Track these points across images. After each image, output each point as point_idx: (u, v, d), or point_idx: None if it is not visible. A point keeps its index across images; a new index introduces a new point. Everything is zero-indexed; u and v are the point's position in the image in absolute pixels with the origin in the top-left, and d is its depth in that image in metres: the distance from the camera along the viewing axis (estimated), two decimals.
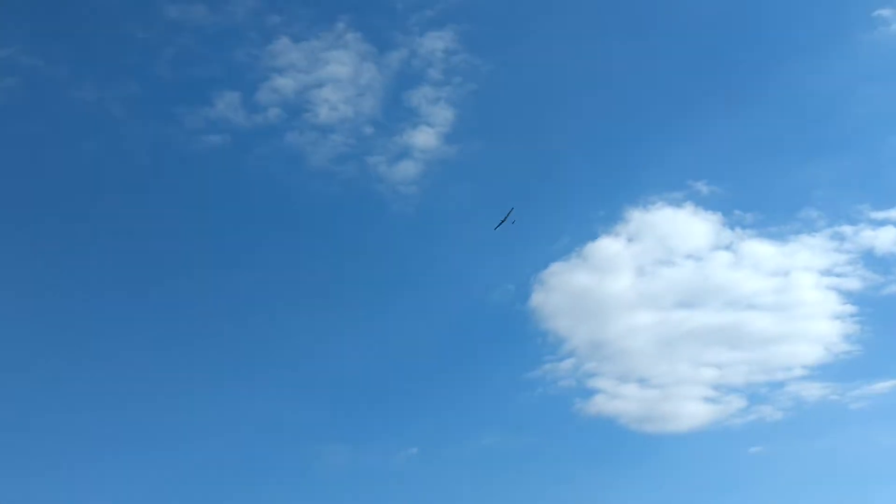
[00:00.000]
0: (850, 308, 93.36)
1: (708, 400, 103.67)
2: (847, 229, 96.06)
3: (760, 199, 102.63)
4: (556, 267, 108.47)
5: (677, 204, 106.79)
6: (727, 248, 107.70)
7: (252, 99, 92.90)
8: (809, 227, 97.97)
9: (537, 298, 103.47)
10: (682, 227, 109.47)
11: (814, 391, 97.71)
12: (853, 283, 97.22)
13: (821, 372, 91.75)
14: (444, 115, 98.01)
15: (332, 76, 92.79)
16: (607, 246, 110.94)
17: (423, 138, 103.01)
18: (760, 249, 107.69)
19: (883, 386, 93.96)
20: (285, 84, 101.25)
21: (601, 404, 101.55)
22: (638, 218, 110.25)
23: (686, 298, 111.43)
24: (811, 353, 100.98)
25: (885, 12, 74.22)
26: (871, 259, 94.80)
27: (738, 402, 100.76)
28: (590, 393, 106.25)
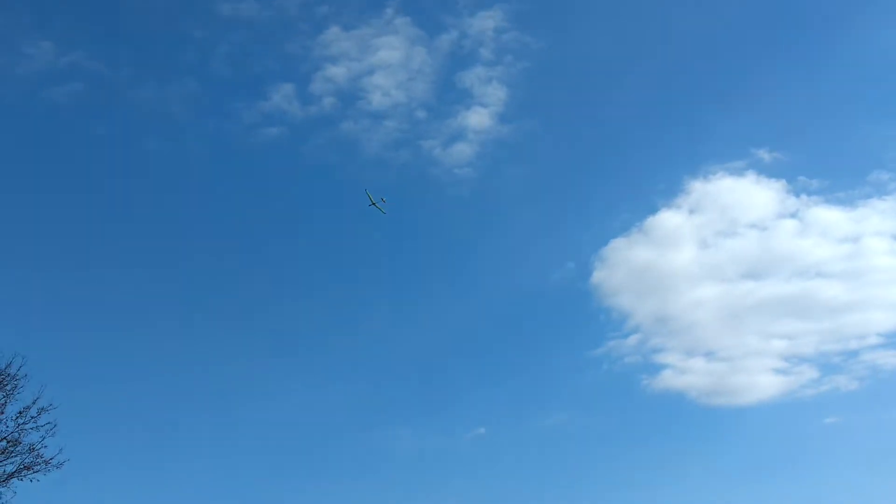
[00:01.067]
0: None
1: (778, 371, 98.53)
2: None
3: (827, 164, 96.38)
4: (616, 243, 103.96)
5: (739, 173, 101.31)
6: (793, 215, 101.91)
7: (306, 90, 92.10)
8: (880, 191, 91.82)
9: (599, 276, 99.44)
10: (744, 196, 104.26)
11: (890, 359, 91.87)
12: None
13: None
14: (497, 94, 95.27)
15: (384, 62, 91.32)
16: (668, 219, 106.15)
17: (477, 119, 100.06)
18: (828, 216, 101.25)
19: None
20: (338, 73, 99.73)
21: (669, 379, 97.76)
22: (699, 189, 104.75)
23: (752, 269, 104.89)
24: (886, 320, 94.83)
25: None
26: None
27: (810, 373, 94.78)
28: (657, 368, 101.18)
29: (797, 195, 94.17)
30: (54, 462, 15.39)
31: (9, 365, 15.34)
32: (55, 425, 15.38)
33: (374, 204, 58.81)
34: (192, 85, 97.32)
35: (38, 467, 15.26)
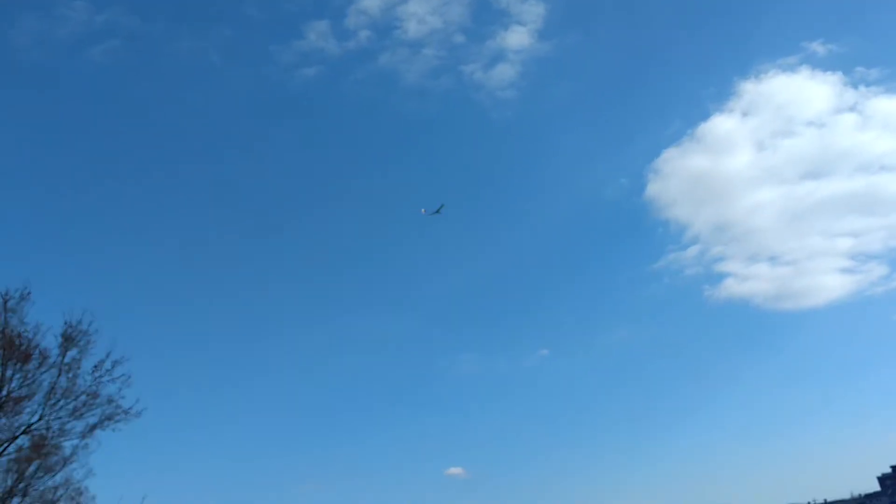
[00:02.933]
0: None
1: (845, 271, 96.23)
2: None
3: (886, 52, 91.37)
4: (669, 153, 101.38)
5: (792, 69, 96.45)
6: (852, 109, 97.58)
7: (341, 25, 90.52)
8: None
9: (653, 188, 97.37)
10: (799, 93, 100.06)
11: None
12: None
13: None
14: (534, 11, 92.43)
15: None
16: (721, 124, 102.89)
17: (517, 38, 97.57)
18: (890, 106, 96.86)
19: None
20: (371, 4, 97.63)
21: (732, 287, 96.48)
22: (751, 90, 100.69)
23: (812, 168, 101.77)
24: None
25: None
26: None
27: (879, 270, 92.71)
28: (719, 277, 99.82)
29: (855, 87, 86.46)
30: (133, 411, 15.98)
31: (80, 321, 15.81)
32: (130, 376, 15.91)
33: (437, 212, 60.01)
34: (227, 32, 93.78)
35: (119, 417, 15.88)
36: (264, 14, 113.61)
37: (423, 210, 55.57)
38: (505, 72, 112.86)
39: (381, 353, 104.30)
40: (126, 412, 15.85)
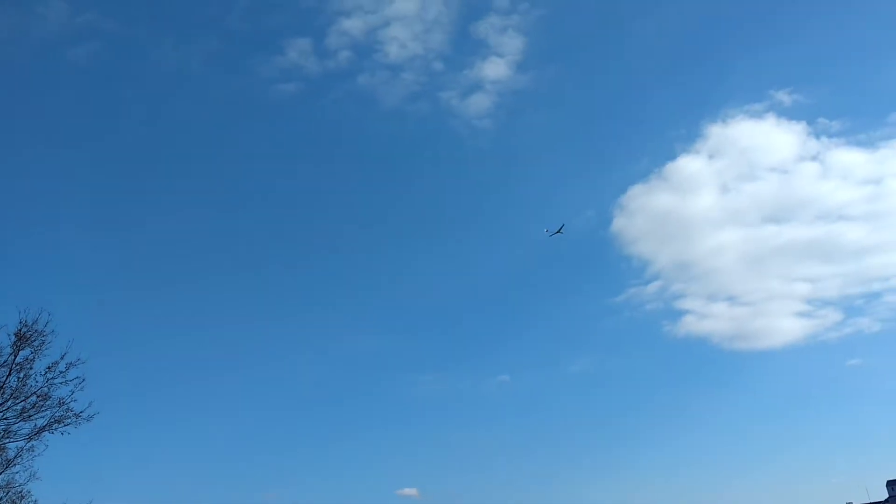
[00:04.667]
0: None
1: (801, 315, 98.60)
2: None
3: (848, 106, 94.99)
4: (636, 190, 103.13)
5: (758, 116, 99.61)
6: (814, 158, 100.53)
7: (322, 44, 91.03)
8: None
9: (619, 223, 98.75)
10: (764, 139, 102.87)
11: None
12: None
13: None
14: (513, 44, 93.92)
15: (399, 14, 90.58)
16: (687, 164, 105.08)
17: (494, 69, 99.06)
18: (849, 158, 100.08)
19: None
20: (353, 26, 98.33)
21: (691, 325, 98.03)
22: (717, 133, 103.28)
23: (773, 213, 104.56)
24: None
25: None
26: None
27: (833, 316, 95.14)
28: (678, 314, 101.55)
29: (818, 137, 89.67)
30: (84, 415, 15.65)
31: (35, 321, 15.48)
32: (84, 380, 15.59)
33: (558, 232, 61.58)
34: (210, 42, 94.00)
35: (69, 420, 15.52)
36: (247, 27, 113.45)
37: (546, 230, 58.69)
38: (481, 101, 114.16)
39: (339, 369, 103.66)
40: (77, 416, 15.52)
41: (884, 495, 72.97)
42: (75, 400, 15.59)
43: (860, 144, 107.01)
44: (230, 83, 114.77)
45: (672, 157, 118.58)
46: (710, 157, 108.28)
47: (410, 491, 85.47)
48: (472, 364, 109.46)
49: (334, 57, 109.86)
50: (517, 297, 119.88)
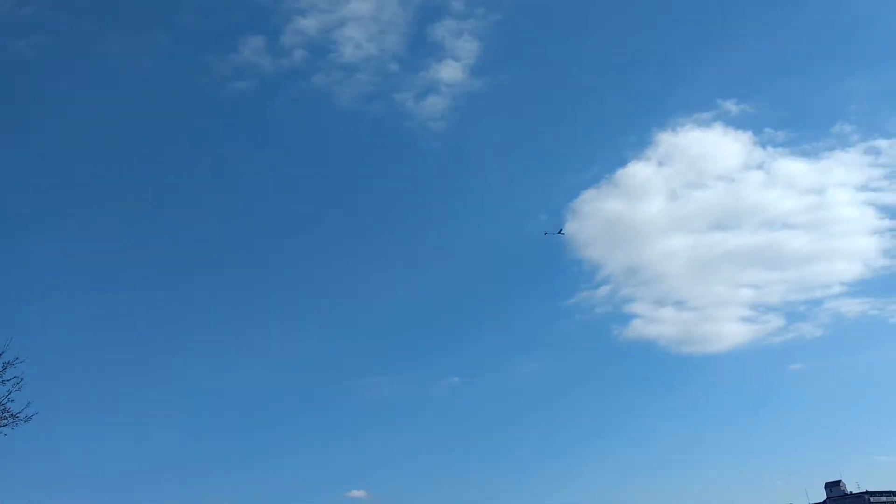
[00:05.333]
0: (888, 223, 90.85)
1: (746, 320, 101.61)
2: (882, 143, 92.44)
3: (792, 116, 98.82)
4: (587, 195, 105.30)
5: (706, 125, 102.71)
6: (759, 167, 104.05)
7: (277, 42, 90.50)
8: (843, 143, 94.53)
9: (570, 227, 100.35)
10: (712, 148, 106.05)
11: (853, 307, 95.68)
12: (890, 198, 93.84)
13: (860, 288, 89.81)
14: (468, 47, 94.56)
15: (355, 14, 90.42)
16: (638, 171, 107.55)
17: (449, 72, 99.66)
18: (793, 167, 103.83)
19: None
20: (308, 25, 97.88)
21: (639, 329, 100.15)
22: (667, 141, 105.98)
23: (720, 220, 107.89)
24: (849, 269, 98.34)
25: None
26: None
27: (776, 321, 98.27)
28: (627, 318, 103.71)
29: (763, 147, 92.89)
30: (22, 416, 15.28)
31: None
32: (22, 379, 15.22)
33: (559, 232, 63.53)
34: (161, 37, 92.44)
35: (6, 421, 15.14)
36: (200, 24, 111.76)
37: (545, 233, 61.78)
38: (436, 104, 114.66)
39: (287, 374, 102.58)
40: (14, 416, 15.13)
41: (822, 496, 75.32)
42: (12, 400, 15.22)
43: (804, 154, 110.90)
44: (181, 79, 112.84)
45: (623, 163, 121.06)
46: (660, 164, 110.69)
47: (359, 493, 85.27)
48: (423, 366, 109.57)
49: (289, 55, 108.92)
50: (469, 299, 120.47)
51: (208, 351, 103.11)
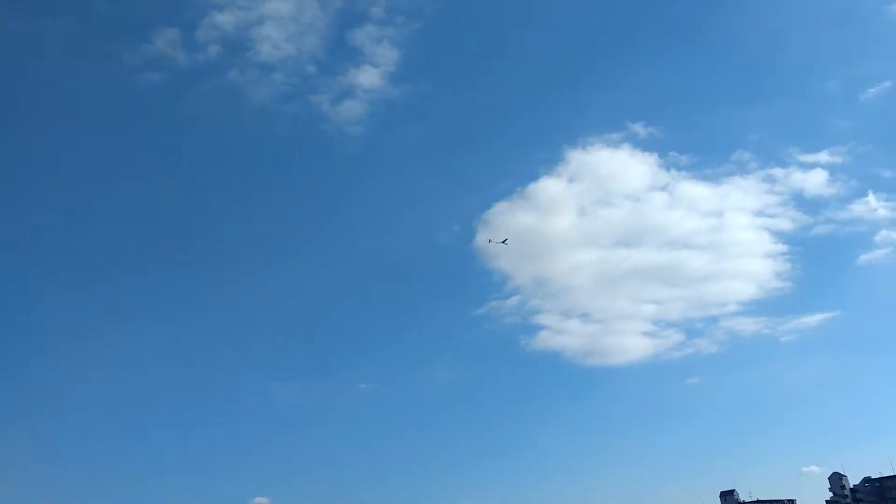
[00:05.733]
0: (781, 247, 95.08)
1: (647, 334, 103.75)
2: (778, 172, 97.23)
3: (696, 142, 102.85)
4: (499, 207, 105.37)
5: (615, 145, 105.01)
6: (663, 189, 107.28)
7: (192, 36, 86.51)
8: (742, 169, 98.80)
9: (482, 238, 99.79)
10: (620, 168, 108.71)
11: (747, 326, 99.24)
12: (784, 224, 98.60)
13: (754, 307, 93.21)
14: (388, 55, 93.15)
15: (274, 13, 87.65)
16: (549, 186, 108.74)
17: (368, 78, 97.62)
18: (695, 191, 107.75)
19: (811, 320, 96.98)
20: (225, 21, 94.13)
21: (546, 339, 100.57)
22: (578, 159, 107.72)
23: (625, 237, 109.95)
24: (745, 289, 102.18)
25: None
26: (801, 200, 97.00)
27: (676, 337, 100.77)
28: (535, 329, 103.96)
29: (668, 170, 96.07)
30: None
31: None
32: None
33: (503, 242, 63.31)
34: (70, 22, 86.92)
35: None
36: (112, 12, 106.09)
37: (489, 240, 61.69)
38: (353, 108, 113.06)
39: (189, 373, 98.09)
40: None
41: None
42: None
43: (706, 179, 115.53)
44: (88, 67, 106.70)
45: (535, 178, 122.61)
46: (571, 180, 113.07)
47: (262, 500, 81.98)
48: (332, 372, 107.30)
49: (204, 50, 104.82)
50: (379, 305, 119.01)
51: (104, 352, 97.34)
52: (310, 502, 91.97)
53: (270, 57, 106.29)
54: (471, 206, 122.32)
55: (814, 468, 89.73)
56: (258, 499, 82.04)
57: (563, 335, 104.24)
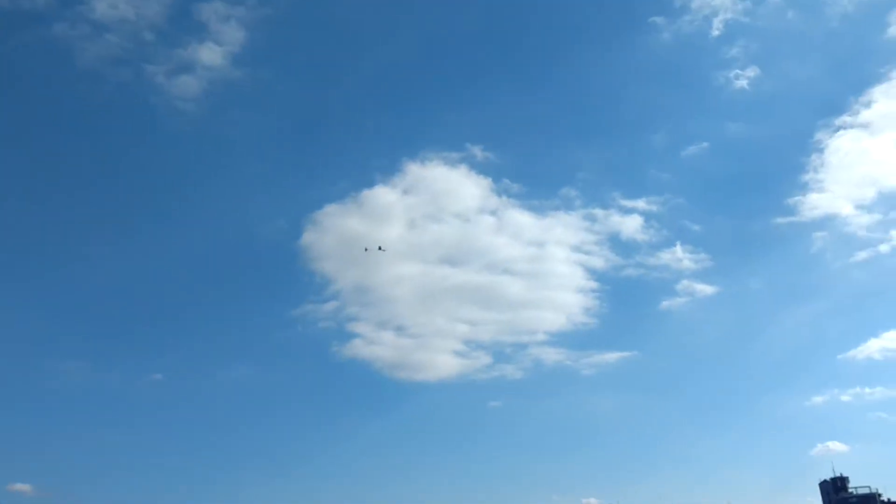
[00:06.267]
0: (592, 283, 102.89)
1: (458, 354, 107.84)
2: (599, 212, 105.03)
3: (528, 172, 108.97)
4: (330, 209, 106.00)
5: (453, 164, 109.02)
6: (492, 213, 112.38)
7: None
8: (567, 206, 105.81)
9: (308, 237, 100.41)
10: (454, 186, 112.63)
11: (552, 355, 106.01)
12: (598, 262, 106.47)
13: (560, 339, 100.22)
14: (235, 35, 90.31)
15: None
16: (383, 195, 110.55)
17: (209, 55, 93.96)
18: (522, 219, 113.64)
19: (611, 357, 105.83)
20: None
21: (358, 348, 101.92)
22: (415, 172, 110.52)
23: (450, 255, 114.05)
24: (554, 320, 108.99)
25: (659, 20, 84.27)
26: (616, 242, 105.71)
27: (484, 359, 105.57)
28: (348, 337, 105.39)
29: (499, 195, 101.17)
30: None
31: None
32: None
33: (379, 248, 62.92)
34: None
35: None
36: None
37: (365, 248, 63.07)
38: (189, 84, 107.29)
39: None
40: None
41: None
42: None
43: (532, 209, 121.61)
44: None
45: (370, 184, 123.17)
46: (405, 192, 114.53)
47: (23, 487, 75.25)
48: (124, 358, 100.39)
49: None
50: (186, 295, 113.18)
51: None
52: (84, 494, 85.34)
53: (105, 16, 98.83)
54: (301, 204, 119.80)
55: (592, 500, 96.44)
56: (18, 485, 75.32)
57: (375, 345, 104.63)
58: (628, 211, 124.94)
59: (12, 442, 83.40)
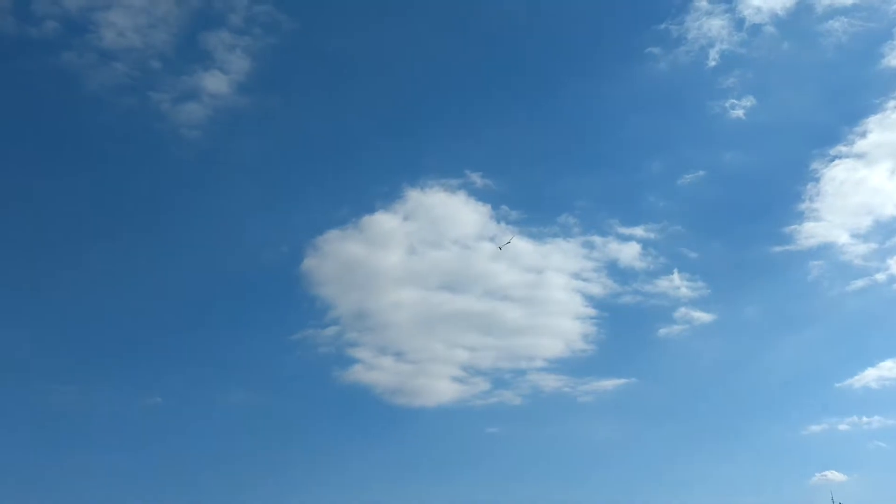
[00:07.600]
0: (590, 311, 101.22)
1: (456, 379, 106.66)
2: (597, 239, 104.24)
3: (527, 199, 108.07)
4: (332, 234, 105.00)
5: (452, 190, 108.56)
6: (491, 239, 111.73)
7: (27, 7, 79.83)
8: (566, 233, 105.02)
9: (309, 263, 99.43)
10: (454, 212, 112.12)
11: (550, 382, 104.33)
12: (596, 289, 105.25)
13: (558, 365, 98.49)
14: (240, 63, 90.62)
15: (126, 0, 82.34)
16: (384, 221, 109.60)
17: (215, 83, 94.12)
18: (520, 246, 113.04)
19: (608, 384, 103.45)
20: None
21: (358, 374, 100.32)
22: (415, 198, 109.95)
23: (449, 281, 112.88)
24: (553, 347, 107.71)
25: (656, 50, 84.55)
26: (614, 269, 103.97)
27: (483, 385, 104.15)
28: (349, 362, 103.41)
29: (498, 222, 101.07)
30: None
31: None
32: None
33: (507, 242, 63.41)
34: None
35: None
36: None
37: (500, 247, 61.38)
38: (195, 111, 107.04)
39: None
40: None
41: None
42: None
43: (531, 236, 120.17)
44: None
45: (371, 210, 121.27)
46: (406, 218, 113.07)
47: None
48: (121, 381, 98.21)
49: (40, 25, 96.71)
50: (187, 317, 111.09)
51: None
52: None
53: (113, 44, 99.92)
54: (302, 230, 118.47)
55: None
56: None
57: (375, 371, 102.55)
58: (626, 238, 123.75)
59: (2, 469, 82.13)
